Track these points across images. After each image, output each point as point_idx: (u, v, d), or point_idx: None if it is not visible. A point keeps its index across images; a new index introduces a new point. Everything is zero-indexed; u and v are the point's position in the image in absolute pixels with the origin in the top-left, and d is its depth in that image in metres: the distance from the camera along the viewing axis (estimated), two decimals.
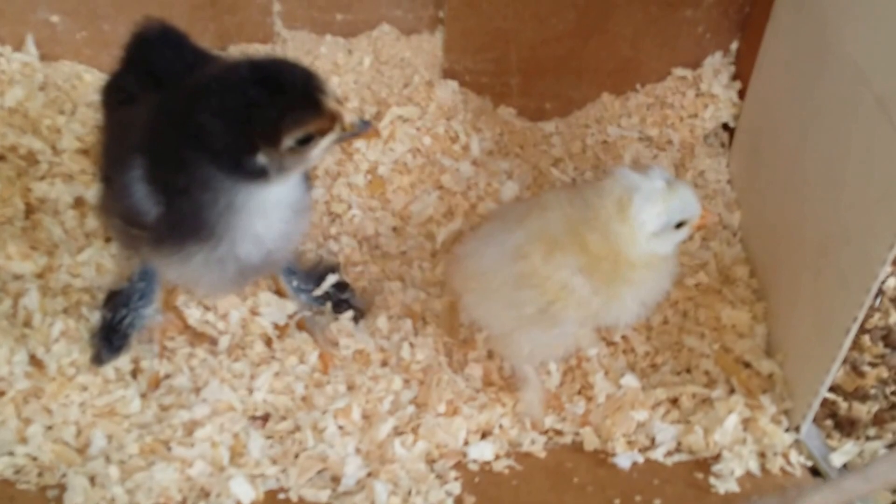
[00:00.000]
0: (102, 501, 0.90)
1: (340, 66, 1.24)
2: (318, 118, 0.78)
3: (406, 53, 1.26)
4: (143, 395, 0.97)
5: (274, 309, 1.05)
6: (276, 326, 1.04)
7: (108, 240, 1.08)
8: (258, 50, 1.23)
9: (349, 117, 0.81)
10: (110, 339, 0.98)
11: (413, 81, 1.24)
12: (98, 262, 1.06)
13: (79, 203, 1.13)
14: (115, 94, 0.93)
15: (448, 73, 1.25)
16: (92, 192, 1.13)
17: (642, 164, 0.99)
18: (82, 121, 1.19)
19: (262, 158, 0.78)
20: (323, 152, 0.82)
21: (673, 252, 0.91)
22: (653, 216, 0.86)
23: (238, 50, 1.23)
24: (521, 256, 0.90)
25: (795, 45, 1.07)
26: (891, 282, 1.11)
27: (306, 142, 0.79)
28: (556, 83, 1.26)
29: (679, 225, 0.89)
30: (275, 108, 0.76)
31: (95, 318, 1.01)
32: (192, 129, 0.77)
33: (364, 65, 1.25)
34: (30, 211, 1.11)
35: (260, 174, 0.79)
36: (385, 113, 1.20)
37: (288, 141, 0.78)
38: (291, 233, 0.89)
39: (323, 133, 0.80)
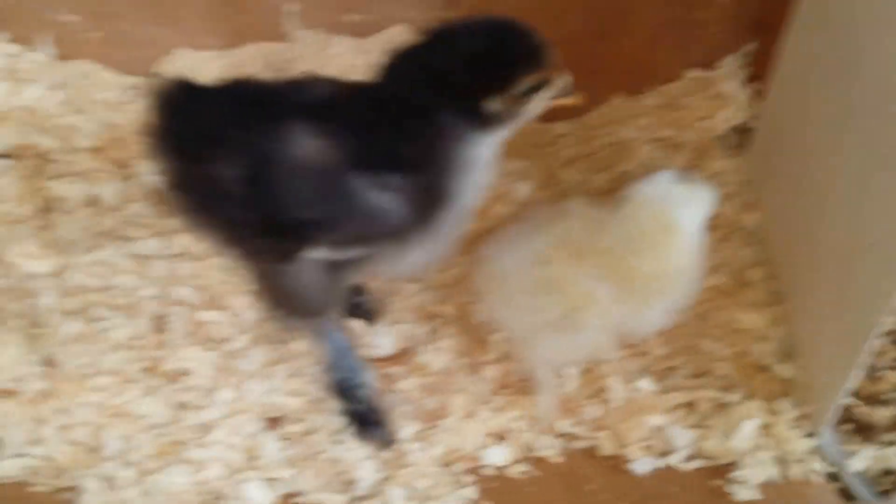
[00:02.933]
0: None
1: (353, 66, 1.23)
2: (545, 68, 0.81)
3: None
4: None
5: None
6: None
7: (122, 239, 1.10)
8: (272, 49, 1.23)
9: (565, 77, 0.85)
10: (371, 421, 0.97)
11: None
12: (113, 262, 1.06)
13: (92, 202, 1.12)
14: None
15: None
16: (107, 189, 1.14)
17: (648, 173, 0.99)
18: (97, 120, 1.19)
19: (493, 104, 0.80)
20: (539, 105, 0.84)
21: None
22: (693, 222, 0.88)
23: (254, 48, 1.23)
24: (544, 262, 0.90)
25: (822, 48, 1.05)
26: None
27: (533, 90, 0.82)
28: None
29: None
30: (513, 53, 0.80)
31: (115, 320, 1.02)
32: (433, 76, 0.79)
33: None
34: (45, 210, 1.11)
35: (491, 121, 0.81)
36: None
37: (522, 85, 0.80)
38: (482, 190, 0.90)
39: (547, 83, 0.83)
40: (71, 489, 0.92)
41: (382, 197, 0.80)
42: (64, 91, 1.21)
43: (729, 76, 1.28)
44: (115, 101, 1.22)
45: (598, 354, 1.02)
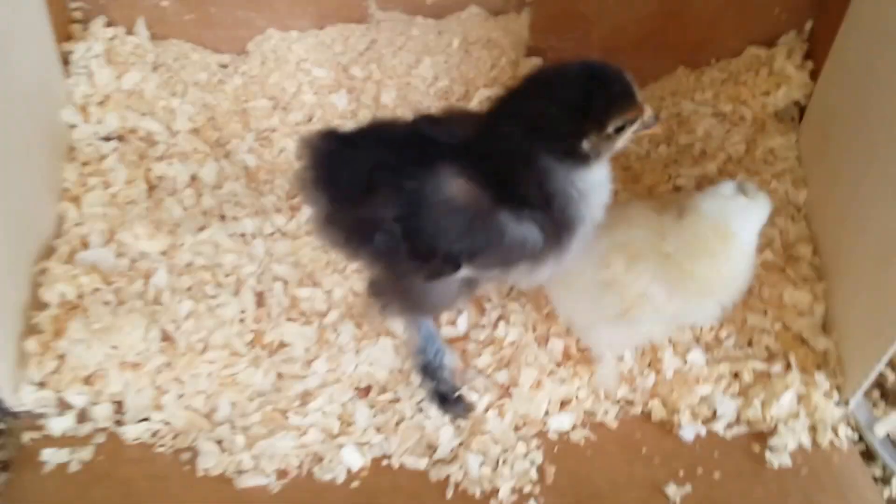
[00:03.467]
0: (231, 465, 1.05)
1: (431, 47, 1.31)
2: (633, 108, 0.91)
3: (494, 34, 1.33)
4: None
5: None
6: None
7: (222, 218, 1.21)
8: (354, 31, 1.31)
9: (648, 111, 0.93)
10: (451, 398, 1.09)
11: (500, 63, 1.32)
12: (216, 241, 1.18)
13: (194, 181, 1.24)
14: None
15: (532, 52, 1.33)
16: (205, 170, 1.24)
17: (712, 185, 1.07)
18: (192, 101, 1.30)
19: (587, 144, 0.90)
20: (627, 140, 0.94)
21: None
22: (750, 231, 0.99)
23: (336, 30, 1.31)
24: (604, 265, 1.00)
25: (876, 32, 1.11)
26: None
27: (621, 129, 0.92)
28: (634, 58, 1.31)
29: None
30: (604, 99, 0.89)
31: (221, 297, 1.14)
32: (532, 125, 0.89)
33: (453, 46, 1.33)
34: (151, 190, 1.22)
35: (588, 157, 0.91)
36: (473, 94, 1.28)
37: (611, 127, 0.90)
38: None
39: (633, 122, 0.92)
40: (190, 450, 1.06)
41: (519, 229, 0.93)
42: (160, 73, 1.30)
43: (787, 54, 1.34)
44: (208, 82, 1.33)
45: (653, 341, 1.14)
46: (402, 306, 1.07)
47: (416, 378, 1.11)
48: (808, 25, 1.33)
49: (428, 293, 1.03)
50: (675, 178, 1.29)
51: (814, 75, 1.31)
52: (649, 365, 1.14)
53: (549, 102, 0.89)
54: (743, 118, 1.33)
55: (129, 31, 1.33)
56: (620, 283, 1.01)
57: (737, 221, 1.00)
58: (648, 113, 0.93)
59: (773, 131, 1.31)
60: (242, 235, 1.18)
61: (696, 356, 1.14)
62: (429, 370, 1.10)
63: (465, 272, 0.97)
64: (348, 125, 1.21)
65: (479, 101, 1.30)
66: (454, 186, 0.92)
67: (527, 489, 1.03)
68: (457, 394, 1.10)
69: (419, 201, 0.93)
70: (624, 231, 1.02)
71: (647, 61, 1.32)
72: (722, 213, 0.99)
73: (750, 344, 1.16)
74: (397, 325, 1.14)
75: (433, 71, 1.31)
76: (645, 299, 1.00)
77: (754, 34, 1.34)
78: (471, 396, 1.10)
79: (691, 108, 1.33)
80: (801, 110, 1.33)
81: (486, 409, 1.08)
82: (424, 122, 0.99)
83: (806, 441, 1.09)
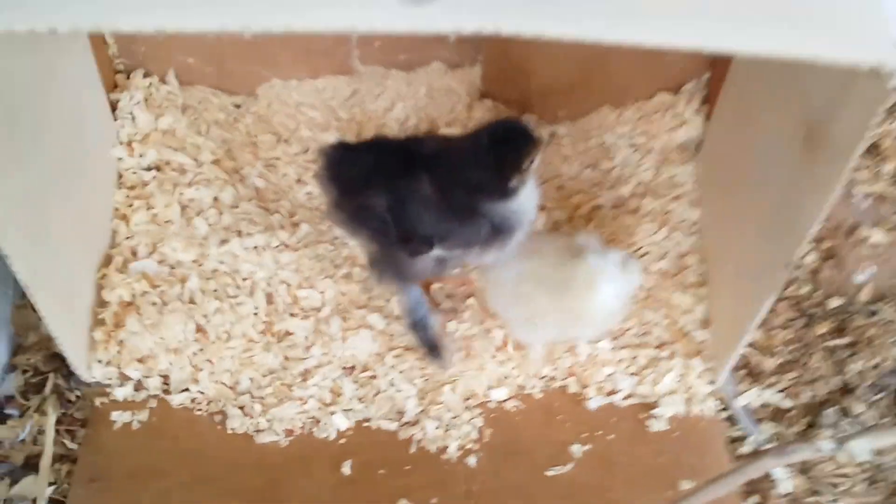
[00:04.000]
0: (251, 426, 1.40)
1: (402, 94, 1.62)
2: (536, 147, 1.24)
3: (453, 83, 1.62)
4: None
5: (355, 288, 1.50)
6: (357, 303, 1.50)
7: (239, 233, 1.53)
8: (342, 81, 1.63)
9: (544, 139, 1.30)
10: (437, 348, 1.42)
11: (458, 107, 1.62)
12: (235, 253, 1.48)
13: (216, 202, 1.54)
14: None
15: (483, 95, 1.63)
16: (224, 193, 1.56)
17: (601, 247, 1.38)
18: (213, 137, 1.59)
19: (513, 183, 1.25)
20: (537, 165, 1.27)
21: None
22: (611, 296, 1.32)
23: (327, 80, 1.63)
24: (516, 284, 1.35)
25: (749, 84, 1.41)
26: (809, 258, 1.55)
27: (532, 161, 1.25)
28: (567, 99, 1.63)
29: None
30: (516, 151, 1.23)
31: (240, 297, 1.46)
32: (475, 173, 1.25)
33: (420, 93, 1.63)
34: (183, 211, 1.54)
35: (514, 191, 1.26)
36: (436, 131, 1.60)
37: (525, 165, 1.24)
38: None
39: (537, 153, 1.25)
40: (220, 413, 1.39)
41: (474, 227, 1.28)
42: (188, 115, 1.59)
43: (688, 99, 1.63)
44: (225, 121, 1.61)
45: (563, 339, 1.46)
46: (392, 275, 1.40)
47: (387, 355, 1.45)
48: (706, 77, 1.63)
49: (411, 266, 1.37)
50: (597, 197, 1.62)
51: (708, 117, 1.62)
52: (567, 350, 1.48)
53: (481, 169, 1.23)
54: (652, 150, 1.63)
55: (162, 80, 1.62)
56: (528, 298, 1.35)
57: (604, 284, 1.32)
58: (545, 141, 1.28)
59: (675, 161, 1.62)
60: (255, 248, 1.50)
61: (604, 344, 1.47)
62: (418, 326, 1.43)
63: (436, 252, 1.31)
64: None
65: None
66: (429, 187, 1.27)
67: (469, 446, 1.37)
68: (441, 346, 1.42)
69: (404, 196, 1.28)
70: (534, 259, 1.36)
71: (578, 102, 1.63)
72: (597, 273, 1.32)
73: (645, 335, 1.49)
74: (376, 320, 1.47)
75: (404, 113, 1.61)
76: (546, 314, 1.35)
77: (663, 83, 1.64)
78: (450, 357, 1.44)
79: (612, 140, 1.64)
80: (698, 145, 1.65)
81: (442, 385, 1.43)
82: (410, 139, 1.40)
83: (681, 411, 1.41)
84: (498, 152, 1.23)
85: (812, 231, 1.10)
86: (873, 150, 1.64)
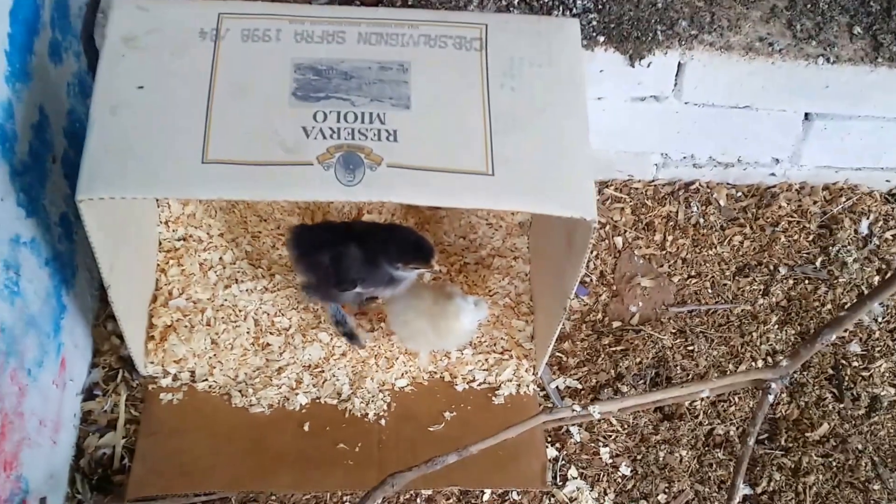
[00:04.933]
0: (247, 402, 2.22)
1: None
2: (426, 264, 1.98)
3: None
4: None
5: (310, 316, 2.34)
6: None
7: (237, 281, 2.36)
8: None
9: (433, 267, 2.07)
10: (354, 335, 2.21)
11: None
12: (235, 294, 2.30)
13: (221, 261, 2.36)
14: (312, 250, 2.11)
15: None
16: (227, 255, 2.39)
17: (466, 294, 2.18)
18: (219, 219, 2.39)
19: (399, 268, 1.98)
20: (418, 272, 2.04)
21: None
22: (469, 323, 2.08)
23: None
24: (405, 310, 2.18)
25: None
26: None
27: (416, 266, 1.97)
28: None
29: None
30: (416, 252, 2.00)
31: (238, 322, 2.29)
32: (382, 254, 2.00)
33: None
34: (201, 267, 2.35)
35: (400, 270, 1.99)
36: (361, 217, 2.46)
37: (410, 266, 1.98)
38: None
39: (421, 265, 1.98)
40: (227, 395, 2.19)
41: (380, 276, 2.02)
42: (202, 205, 2.43)
43: None
44: (226, 207, 2.45)
45: (439, 349, 2.30)
46: (323, 298, 2.15)
47: (333, 361, 2.29)
48: None
49: (339, 296, 2.11)
50: (465, 257, 2.42)
51: None
52: (445, 355, 2.29)
53: (386, 249, 2.03)
54: (501, 227, 2.43)
55: None
56: (410, 323, 2.09)
57: (464, 316, 2.02)
58: (433, 268, 2.11)
59: (515, 234, 2.39)
60: (247, 290, 2.30)
61: (468, 350, 2.27)
62: (339, 322, 2.17)
63: (358, 289, 2.05)
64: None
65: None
66: (354, 252, 2.10)
67: (381, 414, 2.15)
68: (354, 335, 2.23)
69: (340, 256, 2.06)
70: (416, 297, 2.08)
71: None
72: (461, 310, 2.02)
73: (494, 345, 2.30)
74: (323, 337, 2.31)
75: (342, 204, 2.48)
76: (421, 334, 2.12)
77: None
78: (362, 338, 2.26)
79: (476, 221, 2.49)
80: (529, 225, 2.51)
81: (365, 378, 2.26)
82: (345, 223, 2.24)
83: (514, 391, 2.17)
84: (400, 250, 2.03)
85: (573, 288, 1.97)
86: (649, 226, 2.53)
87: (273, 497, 2.06)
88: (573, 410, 1.78)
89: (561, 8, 2.06)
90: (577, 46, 1.79)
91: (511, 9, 2.08)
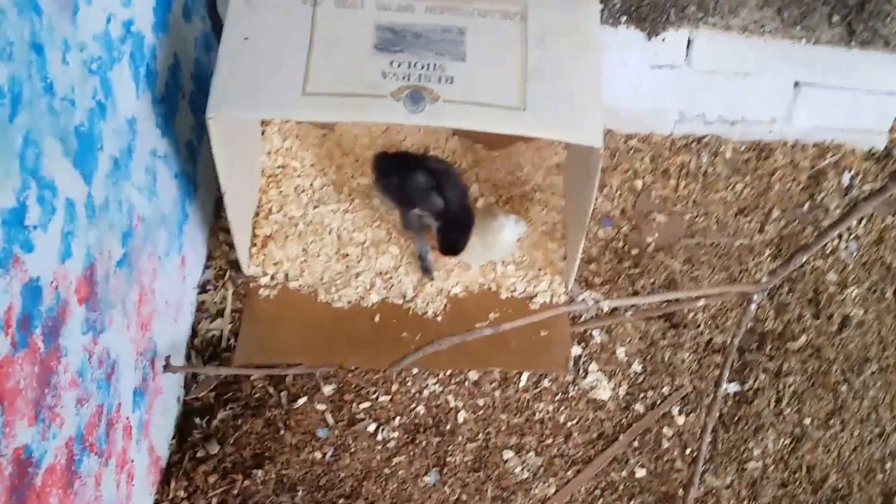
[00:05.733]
0: (330, 299, 2.73)
1: (412, 130, 2.99)
2: (466, 236, 2.58)
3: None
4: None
5: (382, 232, 2.85)
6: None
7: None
8: (380, 126, 2.98)
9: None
10: (429, 270, 2.63)
11: (440, 141, 2.98)
12: (321, 213, 2.85)
13: (311, 186, 2.89)
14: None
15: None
16: (316, 182, 2.90)
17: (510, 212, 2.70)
18: (310, 154, 2.95)
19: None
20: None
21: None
22: (509, 237, 2.49)
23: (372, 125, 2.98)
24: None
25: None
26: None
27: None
28: (499, 140, 2.98)
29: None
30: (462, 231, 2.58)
31: (327, 239, 2.82)
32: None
33: (420, 132, 2.99)
34: (295, 189, 2.90)
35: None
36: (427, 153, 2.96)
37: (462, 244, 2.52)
38: None
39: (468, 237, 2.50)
40: (314, 292, 2.68)
41: (434, 203, 2.49)
42: (299, 139, 2.95)
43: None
44: (317, 143, 2.98)
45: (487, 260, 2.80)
46: (407, 229, 2.59)
47: (402, 270, 2.79)
48: None
49: (410, 220, 2.55)
50: (512, 191, 2.89)
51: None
52: (491, 268, 2.81)
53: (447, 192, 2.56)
54: (542, 166, 2.93)
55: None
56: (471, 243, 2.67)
57: (505, 230, 2.40)
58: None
59: (553, 173, 2.88)
60: (331, 210, 2.80)
61: (511, 266, 2.78)
62: (421, 257, 2.55)
63: (416, 210, 2.47)
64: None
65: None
66: (422, 179, 2.60)
67: (438, 312, 2.66)
68: (431, 268, 2.72)
69: (407, 180, 2.47)
70: (480, 218, 2.66)
71: (504, 142, 3.00)
72: (503, 226, 2.40)
73: (534, 263, 2.77)
74: (393, 250, 2.81)
75: (412, 143, 2.99)
76: (470, 248, 2.46)
77: None
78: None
79: (521, 161, 2.98)
80: (564, 165, 3.00)
81: (426, 284, 2.76)
82: (419, 155, 2.70)
83: (548, 300, 2.74)
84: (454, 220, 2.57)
85: (590, 207, 2.44)
86: (665, 173, 2.99)
87: (348, 373, 2.59)
88: (587, 304, 2.27)
89: None
90: (596, 20, 2.23)
91: None
